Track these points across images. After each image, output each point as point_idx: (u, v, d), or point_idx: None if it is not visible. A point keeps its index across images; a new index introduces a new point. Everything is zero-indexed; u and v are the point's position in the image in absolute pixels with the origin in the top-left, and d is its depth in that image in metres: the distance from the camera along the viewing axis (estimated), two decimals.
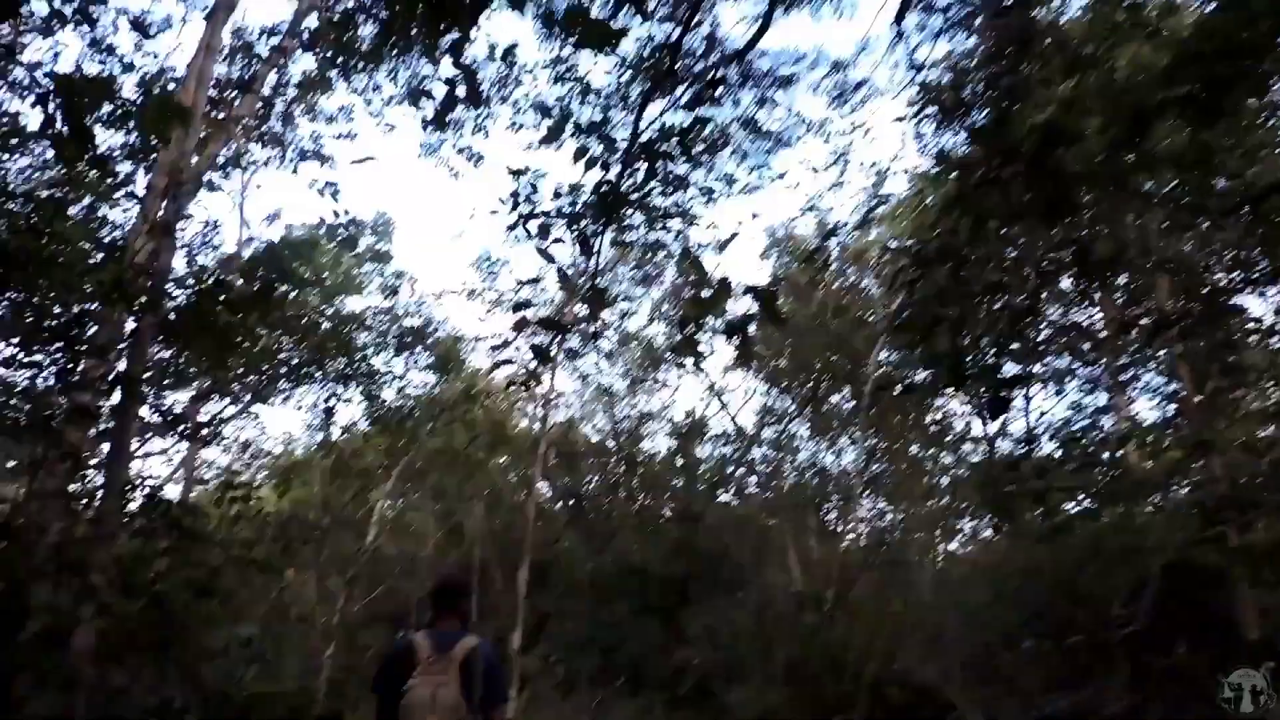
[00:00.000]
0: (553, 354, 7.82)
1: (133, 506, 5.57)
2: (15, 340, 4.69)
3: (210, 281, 5.49)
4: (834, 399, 20.37)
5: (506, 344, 20.40)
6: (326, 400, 17.14)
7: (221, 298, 6.15)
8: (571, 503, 20.95)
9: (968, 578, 16.79)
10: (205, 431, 14.81)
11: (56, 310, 4.60)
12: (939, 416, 21.29)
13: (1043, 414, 17.99)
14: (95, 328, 5.01)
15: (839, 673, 13.72)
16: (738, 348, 5.14)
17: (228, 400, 18.38)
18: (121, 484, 4.78)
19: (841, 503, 18.93)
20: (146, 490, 4.84)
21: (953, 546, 22.58)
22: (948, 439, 21.61)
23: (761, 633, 16.15)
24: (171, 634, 4.68)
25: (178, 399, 14.60)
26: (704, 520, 19.88)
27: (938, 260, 6.73)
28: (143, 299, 4.83)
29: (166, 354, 10.16)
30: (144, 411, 14.93)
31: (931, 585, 17.43)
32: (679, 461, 21.39)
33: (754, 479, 20.54)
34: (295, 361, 15.65)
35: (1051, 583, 12.86)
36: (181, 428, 12.32)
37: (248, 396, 20.44)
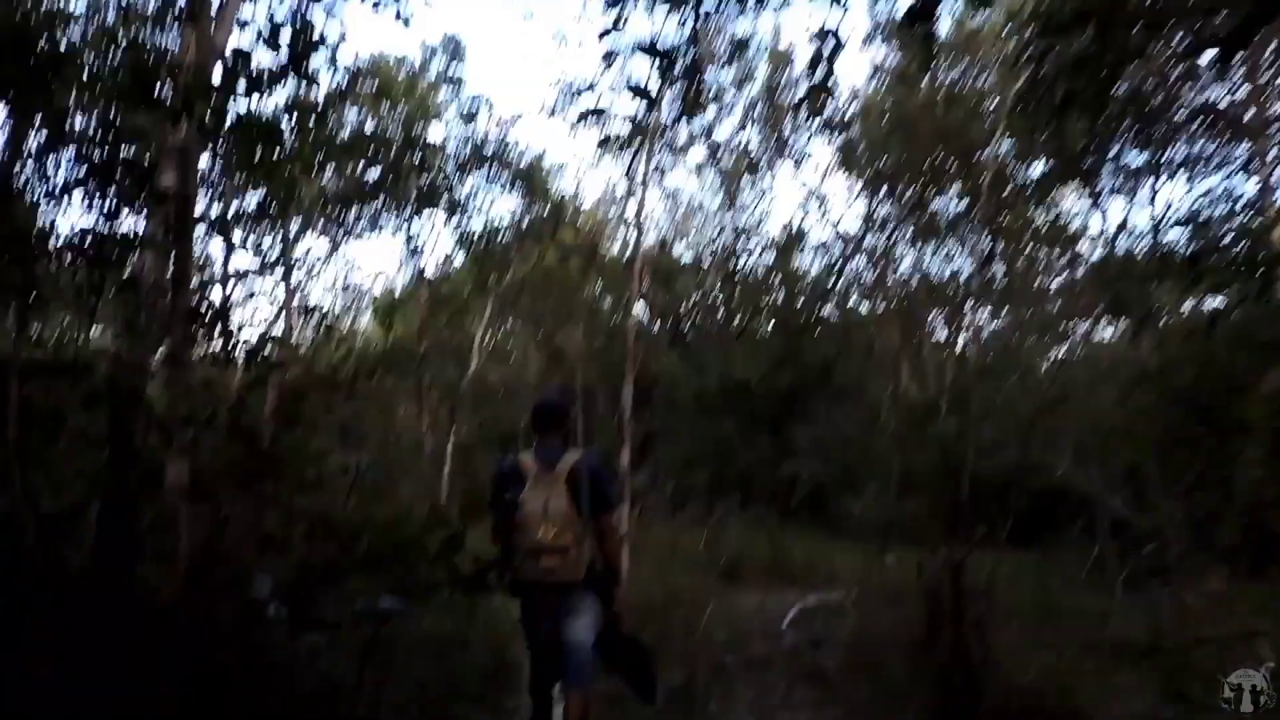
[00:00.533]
0: (652, 95, 7.09)
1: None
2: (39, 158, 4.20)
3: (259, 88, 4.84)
4: (943, 201, 18.97)
5: (593, 87, 19.53)
6: (410, 227, 16.89)
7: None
8: (671, 322, 20.50)
9: (1091, 380, 15.85)
10: (296, 266, 14.71)
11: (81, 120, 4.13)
12: (1055, 215, 19.74)
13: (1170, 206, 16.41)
14: (131, 143, 4.48)
15: (958, 479, 13.26)
16: (920, 38, 4.69)
17: (319, 235, 18.33)
18: (186, 313, 4.34)
19: (953, 308, 17.90)
20: (211, 314, 4.39)
21: (1069, 351, 21.49)
22: (1065, 237, 20.09)
23: (874, 442, 15.76)
24: (261, 467, 4.35)
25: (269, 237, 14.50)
26: (808, 332, 19.27)
27: (1076, 25, 5.73)
28: (181, 106, 4.23)
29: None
30: (229, 252, 14.92)
31: (1052, 389, 16.58)
32: (779, 275, 20.54)
33: (859, 288, 19.59)
34: (379, 189, 15.26)
35: (1189, 380, 11.90)
36: (271, 262, 12.16)
37: (339, 233, 20.39)
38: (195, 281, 11.78)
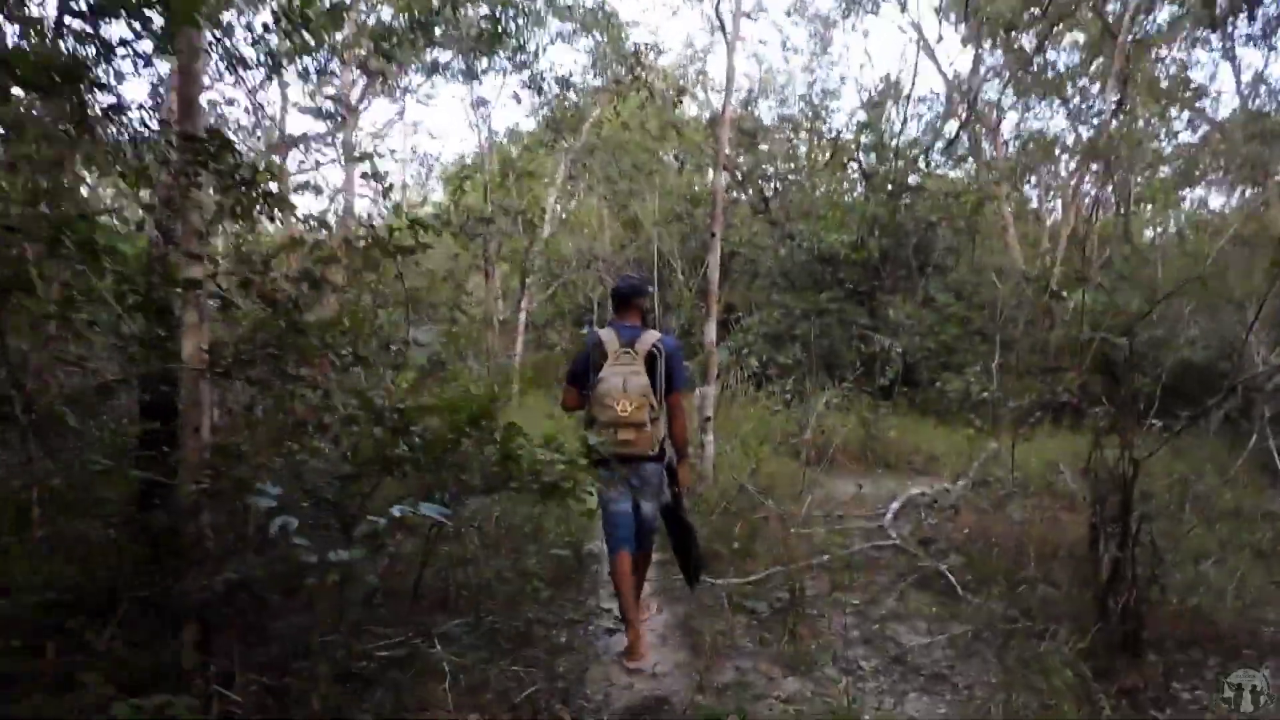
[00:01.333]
0: None
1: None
2: None
3: None
4: (1057, 53, 16.94)
5: None
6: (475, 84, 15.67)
7: None
8: (754, 187, 19.15)
9: (1223, 251, 14.21)
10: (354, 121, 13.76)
11: None
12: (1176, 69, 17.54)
13: None
14: None
15: (1072, 358, 12.09)
16: None
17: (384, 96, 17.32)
18: (192, 140, 3.51)
19: (1070, 171, 16.16)
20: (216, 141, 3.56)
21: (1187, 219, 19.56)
22: (1188, 94, 17.94)
23: (976, 316, 14.56)
24: (288, 339, 3.60)
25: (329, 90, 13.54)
26: (903, 197, 17.76)
27: None
28: None
29: None
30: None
31: (1175, 259, 15.00)
32: (873, 134, 18.85)
33: (962, 148, 17.84)
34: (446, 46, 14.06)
35: None
36: (330, 110, 11.25)
37: (404, 96, 19.36)
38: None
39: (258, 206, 3.88)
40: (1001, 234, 15.22)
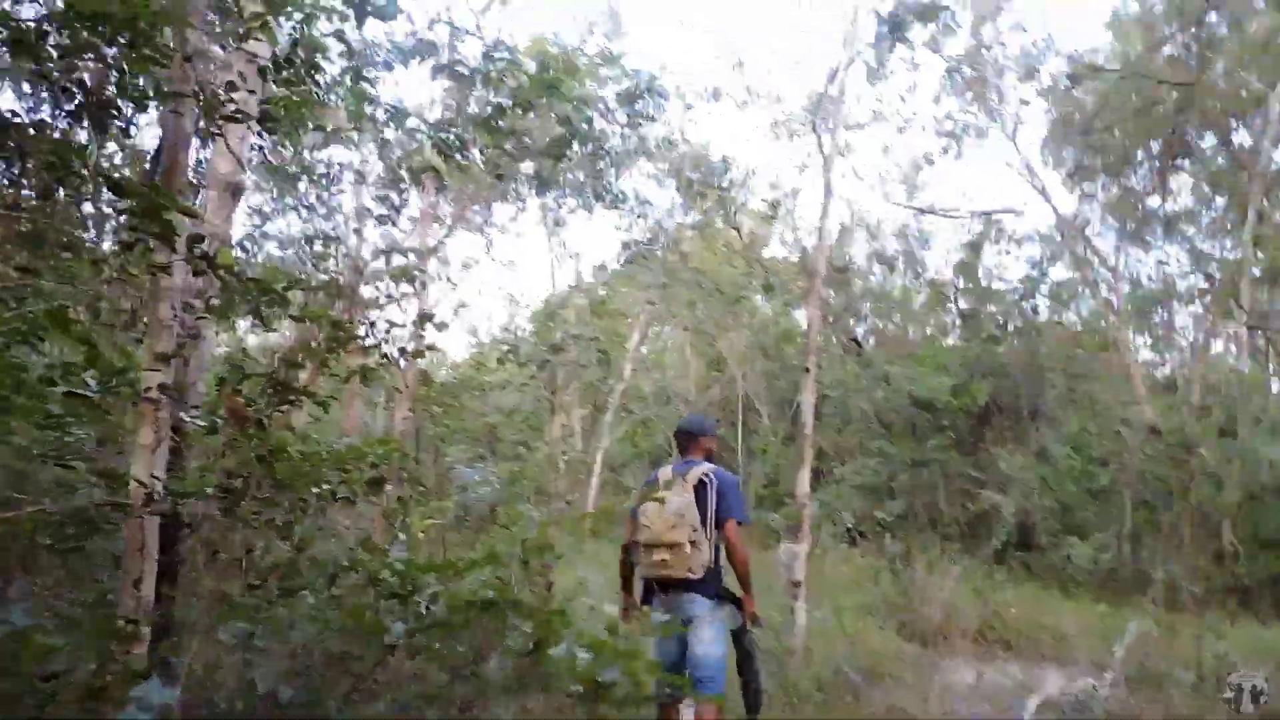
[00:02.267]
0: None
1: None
2: None
3: None
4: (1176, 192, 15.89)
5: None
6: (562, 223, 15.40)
7: None
8: (845, 328, 18.25)
9: None
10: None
11: None
12: None
13: None
14: None
15: (1214, 530, 10.50)
16: None
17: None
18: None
19: (1205, 309, 14.79)
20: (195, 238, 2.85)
21: None
22: None
23: (1097, 473, 13.04)
24: (254, 467, 2.77)
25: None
26: (1008, 341, 16.58)
27: None
28: None
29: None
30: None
31: None
32: (971, 274, 17.89)
33: (1075, 289, 16.65)
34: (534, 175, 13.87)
35: None
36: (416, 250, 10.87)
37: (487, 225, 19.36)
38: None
39: (244, 303, 3.13)
40: (1125, 381, 13.83)
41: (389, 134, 11.39)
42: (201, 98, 3.05)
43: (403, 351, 4.37)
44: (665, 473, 4.40)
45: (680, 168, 15.69)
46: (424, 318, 7.15)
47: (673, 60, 38.86)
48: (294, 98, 5.32)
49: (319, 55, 5.97)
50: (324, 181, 8.79)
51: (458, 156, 6.94)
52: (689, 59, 38.13)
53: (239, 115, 3.56)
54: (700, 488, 4.23)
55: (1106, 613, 9.45)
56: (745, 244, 17.35)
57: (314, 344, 4.09)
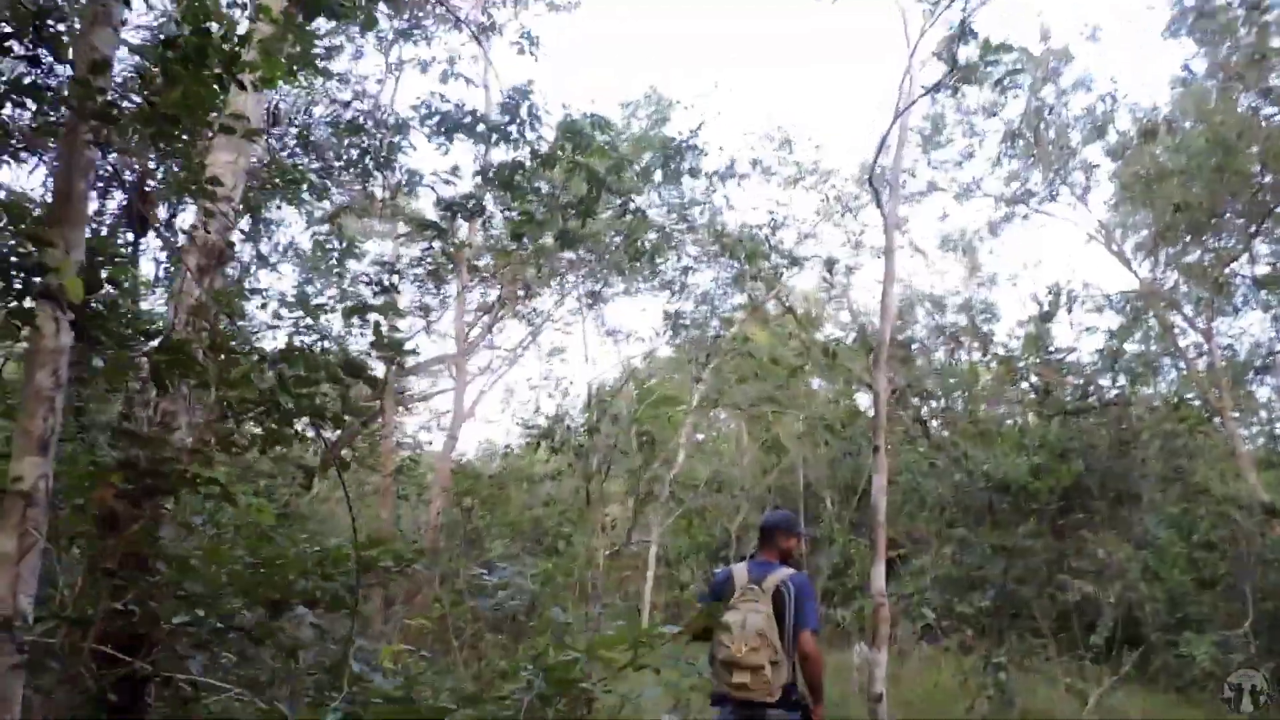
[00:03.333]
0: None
1: None
2: None
3: None
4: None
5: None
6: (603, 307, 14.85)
7: None
8: (910, 409, 17.22)
9: None
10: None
11: None
12: None
13: None
14: None
15: None
16: None
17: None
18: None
19: None
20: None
21: None
22: None
23: (1207, 561, 11.69)
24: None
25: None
26: (1089, 414, 15.37)
27: None
28: None
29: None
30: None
31: None
32: (1041, 350, 16.80)
33: (1163, 357, 15.49)
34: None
35: None
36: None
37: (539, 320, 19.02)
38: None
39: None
40: (1229, 457, 12.56)
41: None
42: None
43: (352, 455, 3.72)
44: (740, 576, 4.24)
45: (728, 244, 15.14)
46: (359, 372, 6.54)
47: (713, 137, 38.63)
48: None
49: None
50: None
51: (476, 223, 6.44)
52: (729, 133, 37.88)
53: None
54: (778, 598, 4.09)
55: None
56: (800, 321, 16.64)
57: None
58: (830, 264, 13.61)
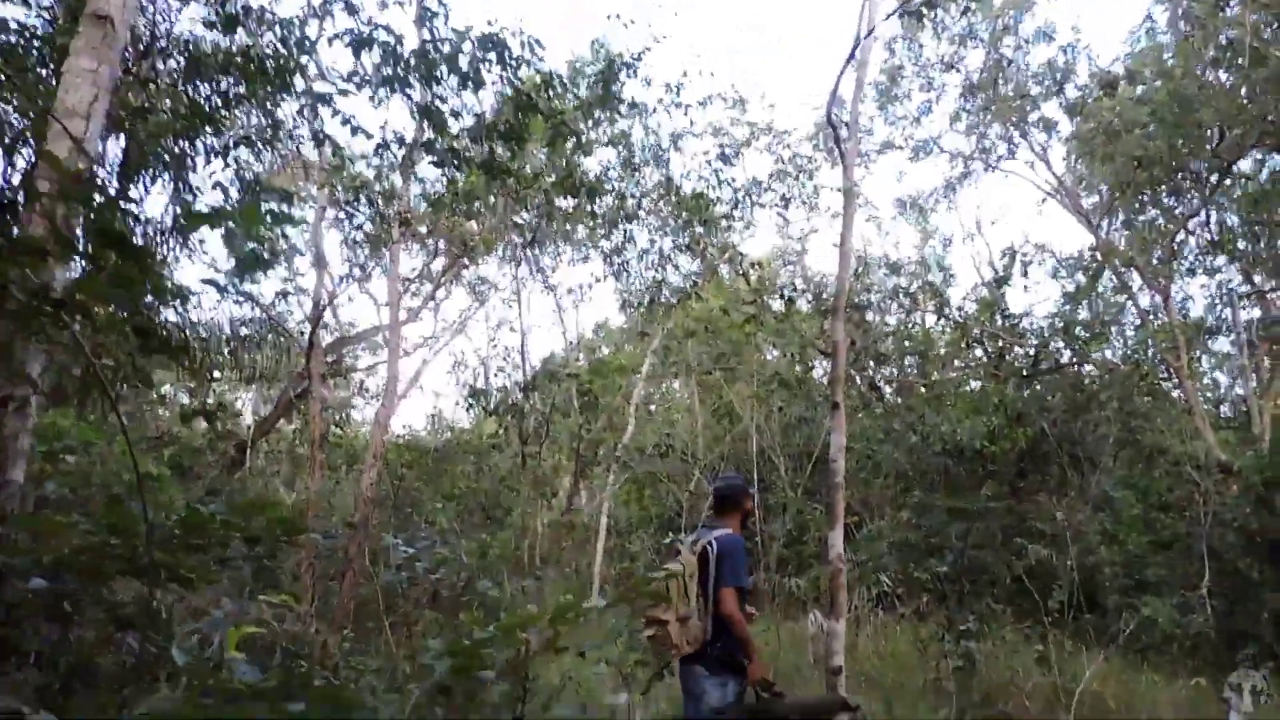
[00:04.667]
0: None
1: None
2: None
3: None
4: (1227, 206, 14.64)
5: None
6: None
7: None
8: (863, 374, 16.90)
9: None
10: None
11: None
12: None
13: None
14: None
15: None
16: None
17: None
18: None
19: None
20: None
21: None
22: None
23: (1164, 522, 11.53)
24: None
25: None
26: (1044, 377, 15.19)
27: None
28: None
29: None
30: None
31: None
32: (997, 311, 16.57)
33: (1122, 318, 15.32)
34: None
35: None
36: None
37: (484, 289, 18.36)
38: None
39: None
40: (1186, 416, 12.40)
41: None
42: None
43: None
44: (683, 543, 4.44)
45: (679, 199, 14.53)
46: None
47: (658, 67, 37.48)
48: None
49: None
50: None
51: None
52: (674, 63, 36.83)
53: None
54: (703, 558, 4.21)
55: (1200, 687, 7.90)
56: (753, 287, 16.16)
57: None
58: (786, 201, 13.06)
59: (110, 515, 3.25)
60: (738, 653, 4.13)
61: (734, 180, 12.97)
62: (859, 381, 17.30)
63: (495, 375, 16.27)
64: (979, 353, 17.26)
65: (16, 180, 5.25)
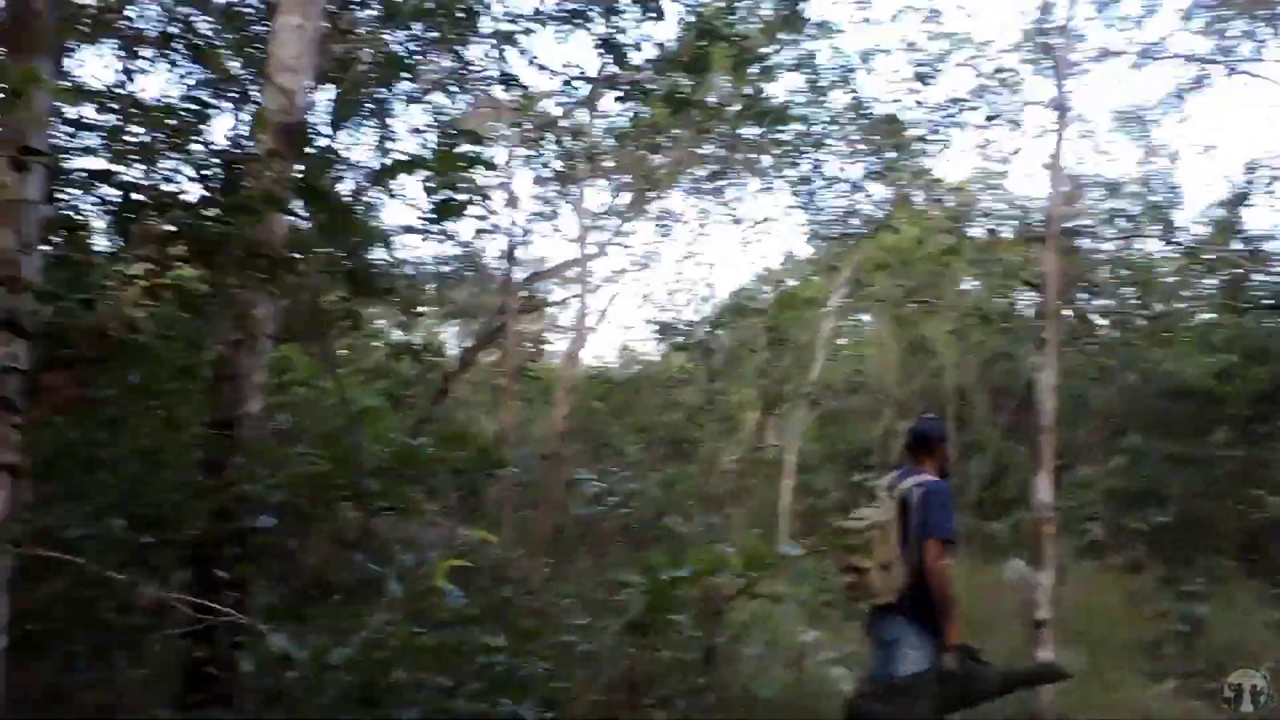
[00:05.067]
0: None
1: None
2: None
3: None
4: None
5: None
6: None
7: None
8: (1074, 307, 15.66)
9: None
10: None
11: None
12: None
13: None
14: None
15: None
16: None
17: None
18: None
19: None
20: None
21: None
22: None
23: None
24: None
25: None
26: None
27: None
28: None
29: None
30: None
31: None
32: (1232, 231, 14.82)
33: None
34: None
35: None
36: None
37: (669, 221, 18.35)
38: None
39: None
40: None
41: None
42: None
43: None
44: (880, 486, 4.31)
45: (871, 135, 13.81)
46: None
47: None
48: None
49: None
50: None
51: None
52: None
53: None
54: (905, 503, 4.02)
55: None
56: (950, 214, 15.25)
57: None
58: (992, 120, 12.11)
59: (332, 448, 3.51)
60: (937, 611, 3.90)
61: (931, 100, 12.13)
62: (1069, 316, 16.07)
63: (682, 309, 16.37)
64: (1211, 281, 15.56)
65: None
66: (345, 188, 5.56)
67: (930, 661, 3.93)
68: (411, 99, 6.38)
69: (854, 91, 12.98)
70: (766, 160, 14.98)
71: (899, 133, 13.10)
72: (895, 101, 12.12)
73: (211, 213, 1.81)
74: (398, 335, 17.63)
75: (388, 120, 7.45)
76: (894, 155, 13.72)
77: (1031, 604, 5.43)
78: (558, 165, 10.25)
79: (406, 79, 6.14)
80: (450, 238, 12.42)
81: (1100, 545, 9.94)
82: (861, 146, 14.11)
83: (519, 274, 14.74)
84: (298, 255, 1.91)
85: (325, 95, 6.03)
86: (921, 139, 13.67)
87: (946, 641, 3.89)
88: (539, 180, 13.50)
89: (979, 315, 13.30)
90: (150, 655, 3.03)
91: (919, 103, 12.08)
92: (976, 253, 14.75)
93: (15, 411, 1.81)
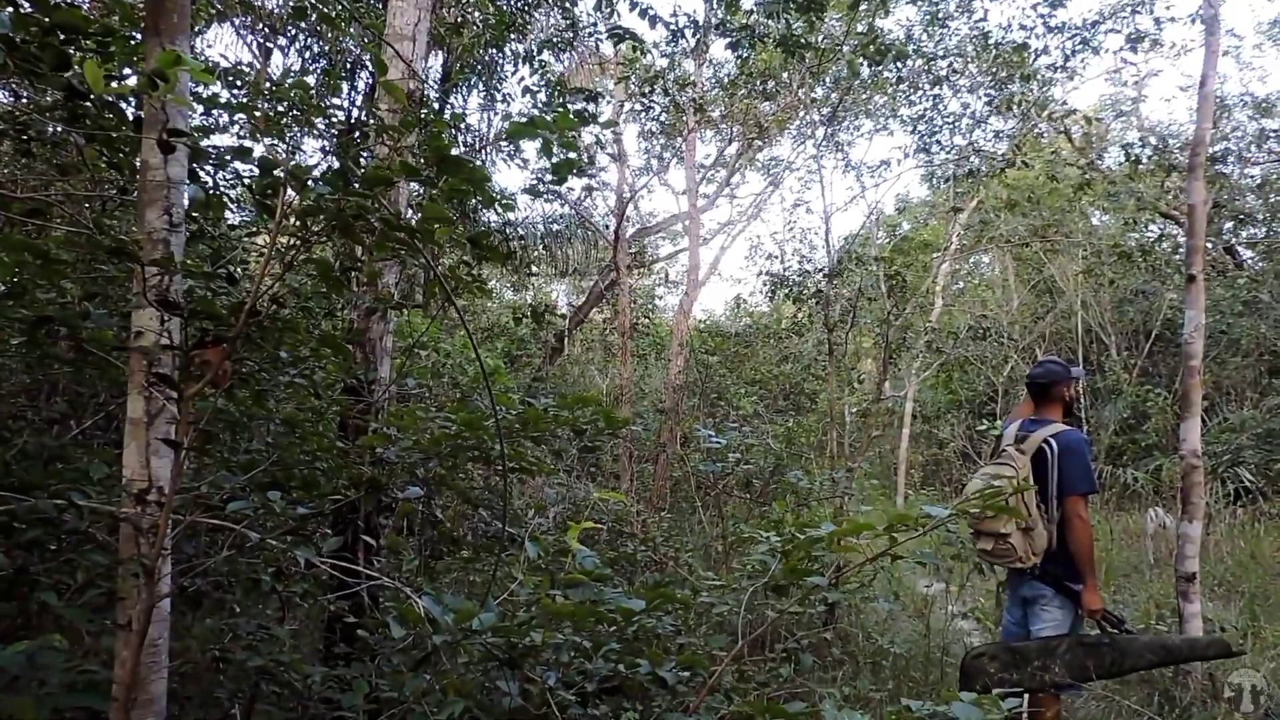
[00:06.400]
0: None
1: None
2: None
3: None
4: None
5: None
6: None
7: None
8: (1224, 236, 14.60)
9: None
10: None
11: None
12: None
13: None
14: None
15: None
16: None
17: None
18: None
19: None
20: None
21: None
22: None
23: None
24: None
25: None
26: None
27: None
28: None
29: None
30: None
31: None
32: None
33: None
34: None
35: None
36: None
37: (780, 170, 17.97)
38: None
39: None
40: None
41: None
42: None
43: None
44: (1008, 435, 4.00)
45: (995, 67, 13.02)
46: None
47: None
48: None
49: None
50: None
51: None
52: None
53: None
54: (1040, 458, 3.77)
55: None
56: (1080, 145, 14.34)
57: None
58: (1135, 40, 11.23)
59: (462, 410, 3.60)
60: (1076, 570, 3.72)
61: (1062, 24, 11.33)
62: (1213, 248, 14.98)
63: (793, 258, 16.03)
64: None
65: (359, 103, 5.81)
66: (457, 152, 5.63)
67: (1069, 624, 3.77)
68: (520, 59, 6.39)
69: (976, 21, 12.28)
70: (881, 100, 14.45)
71: (1027, 61, 12.33)
72: (1023, 29, 11.37)
73: (347, 186, 1.86)
74: (510, 296, 17.97)
75: (497, 81, 7.51)
76: (1019, 88, 12.96)
77: (1177, 556, 5.14)
78: (665, 118, 10.12)
79: (515, 39, 6.16)
80: (560, 196, 12.54)
81: (1250, 492, 9.34)
82: (983, 80, 13.39)
83: (628, 229, 14.76)
84: (433, 223, 1.94)
85: (438, 60, 6.12)
86: (1053, 67, 12.85)
87: (1085, 606, 3.71)
88: (647, 134, 13.43)
89: (1116, 251, 12.52)
90: (298, 613, 3.21)
91: (1049, 28, 11.30)
92: (1110, 185, 13.85)
93: (173, 387, 1.90)
